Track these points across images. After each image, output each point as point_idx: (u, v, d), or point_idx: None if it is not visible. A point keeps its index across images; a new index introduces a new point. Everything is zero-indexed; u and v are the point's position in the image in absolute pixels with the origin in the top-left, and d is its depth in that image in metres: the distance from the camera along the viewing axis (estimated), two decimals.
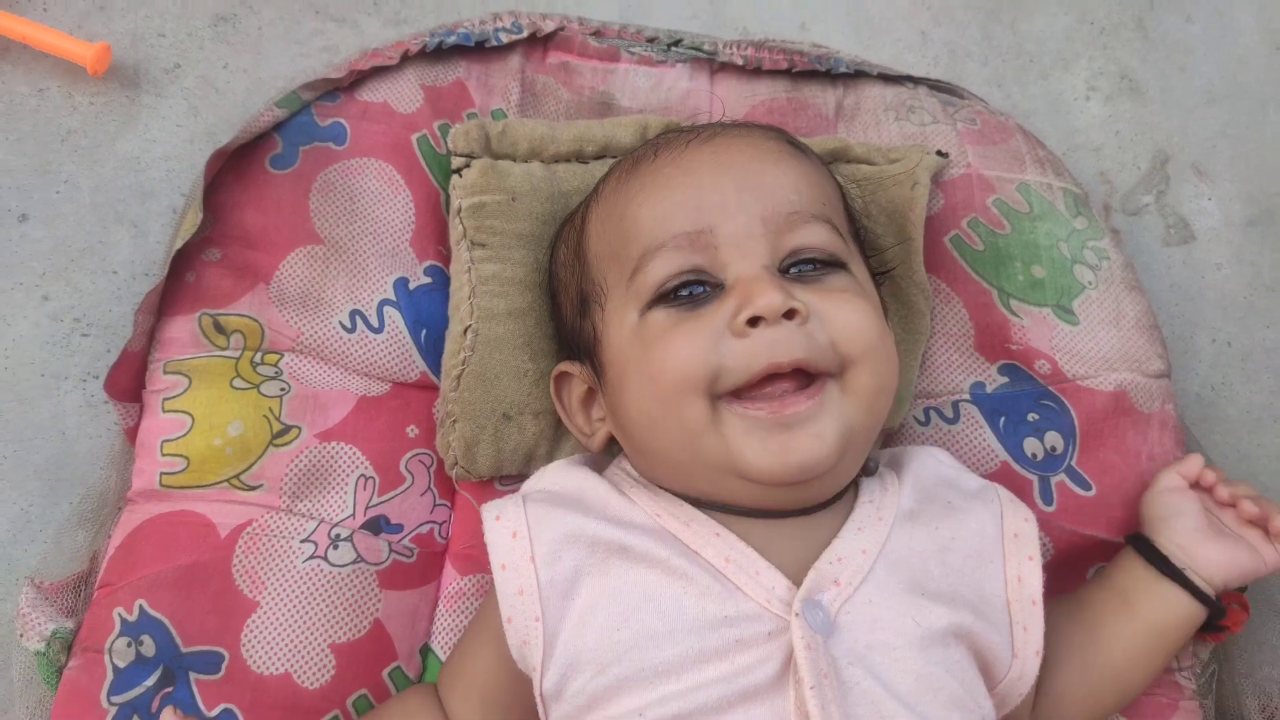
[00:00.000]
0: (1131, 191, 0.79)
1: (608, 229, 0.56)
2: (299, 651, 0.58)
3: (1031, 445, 0.65)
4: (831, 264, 0.54)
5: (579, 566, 0.51)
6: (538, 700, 0.51)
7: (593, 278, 0.57)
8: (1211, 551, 0.56)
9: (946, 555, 0.53)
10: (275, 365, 0.63)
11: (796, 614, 0.48)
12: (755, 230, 0.52)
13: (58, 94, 0.75)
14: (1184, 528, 0.57)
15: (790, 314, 0.49)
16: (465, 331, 0.63)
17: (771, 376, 0.49)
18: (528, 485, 0.57)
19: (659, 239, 0.53)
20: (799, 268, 0.53)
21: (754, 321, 0.49)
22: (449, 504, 0.64)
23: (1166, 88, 0.82)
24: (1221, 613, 0.57)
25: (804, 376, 0.50)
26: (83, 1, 0.77)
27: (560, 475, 0.57)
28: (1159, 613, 0.56)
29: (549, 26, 0.73)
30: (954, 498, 0.56)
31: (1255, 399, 0.75)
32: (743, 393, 0.50)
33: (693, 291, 0.52)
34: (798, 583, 0.50)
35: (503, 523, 0.53)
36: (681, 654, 0.48)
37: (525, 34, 0.72)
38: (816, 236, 0.53)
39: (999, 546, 0.54)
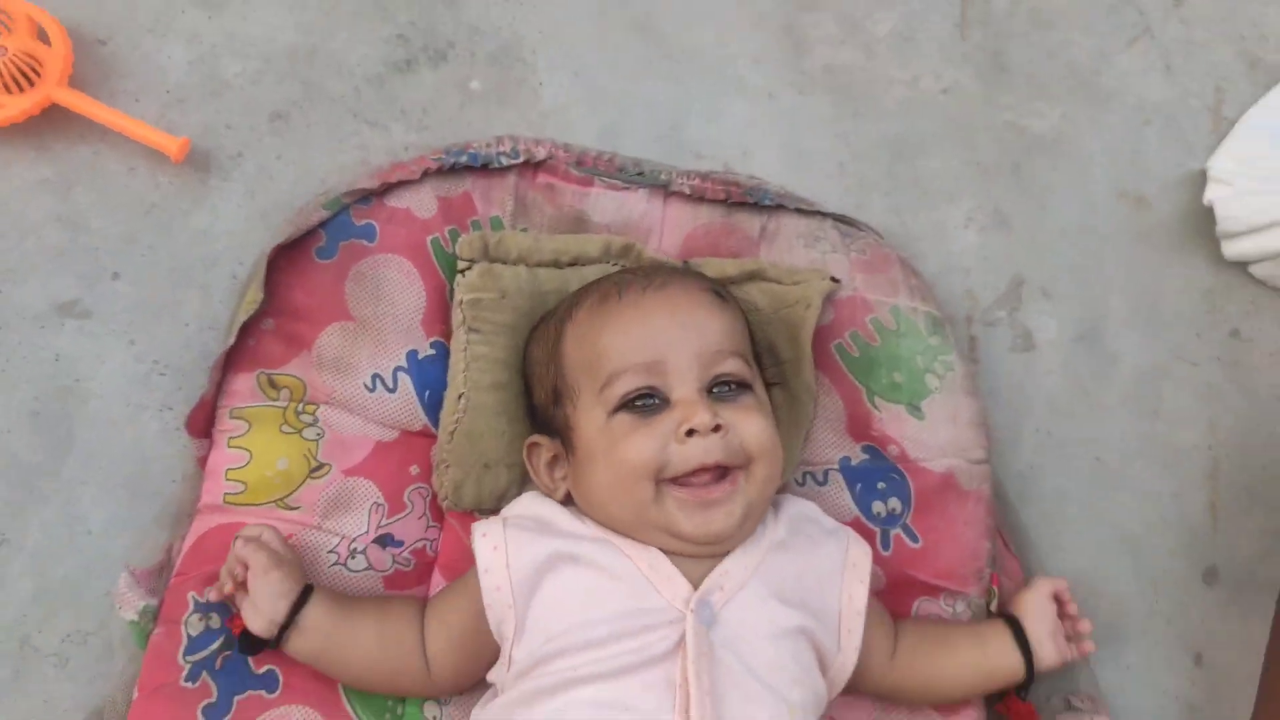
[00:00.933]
0: (990, 307, 0.99)
1: (583, 348, 0.76)
2: None
3: (878, 506, 0.86)
4: (742, 385, 0.75)
5: (540, 570, 0.72)
6: (504, 660, 0.72)
7: (567, 380, 0.77)
8: (1048, 646, 0.79)
9: (803, 576, 0.75)
10: (313, 414, 0.83)
11: (691, 610, 0.70)
12: (692, 362, 0.73)
13: (144, 173, 0.91)
14: (1042, 627, 0.80)
15: (717, 428, 0.71)
16: (459, 398, 0.82)
17: (700, 469, 0.71)
18: (506, 510, 0.78)
19: (623, 365, 0.73)
20: (720, 388, 0.75)
21: (690, 432, 0.71)
22: (439, 526, 0.84)
23: (1029, 222, 1.01)
24: (1026, 686, 0.79)
25: (721, 468, 0.72)
26: (166, 95, 0.94)
27: (531, 504, 0.78)
28: (997, 660, 0.79)
29: (540, 154, 0.92)
30: (814, 533, 0.78)
31: (1063, 478, 0.93)
32: (679, 479, 0.72)
33: (646, 403, 0.73)
34: (697, 587, 0.71)
35: (487, 539, 0.74)
36: (608, 633, 0.69)
37: (521, 159, 0.91)
38: (733, 366, 0.75)
39: (840, 572, 0.77)
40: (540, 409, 0.81)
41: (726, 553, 0.73)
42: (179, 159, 0.92)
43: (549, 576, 0.72)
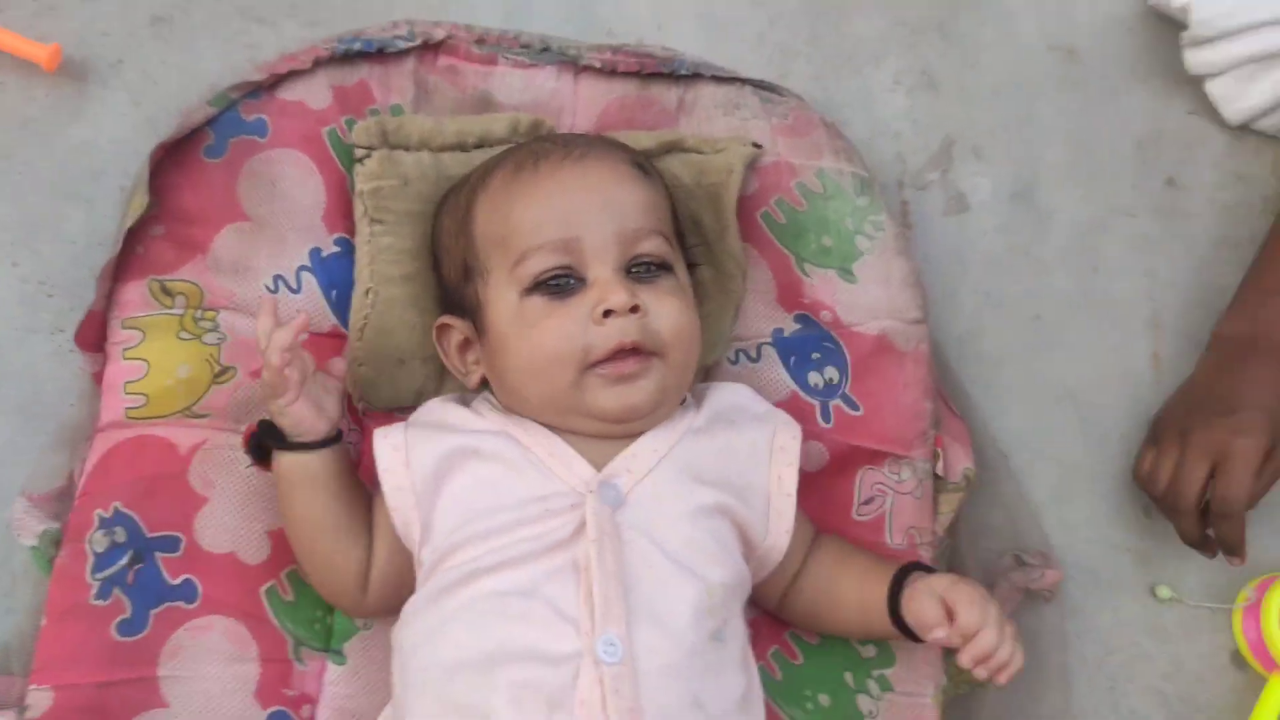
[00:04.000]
0: (921, 170, 0.95)
1: (494, 221, 0.72)
2: (241, 535, 0.74)
3: (814, 377, 0.83)
4: (662, 266, 0.72)
5: (441, 468, 0.69)
6: (416, 564, 0.70)
7: (478, 254, 0.73)
8: (928, 608, 0.67)
9: (721, 455, 0.72)
10: (214, 320, 0.78)
11: (591, 490, 0.67)
12: (610, 240, 0.70)
13: (16, 88, 0.85)
14: (936, 584, 0.69)
15: (634, 309, 0.68)
16: (367, 293, 0.78)
17: (619, 349, 0.68)
18: (413, 417, 0.75)
19: (537, 241, 0.70)
20: (638, 269, 0.71)
21: (608, 313, 0.68)
22: (359, 428, 0.80)
23: (959, 82, 0.97)
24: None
25: (635, 350, 0.69)
26: (35, 3, 0.88)
27: (435, 409, 0.75)
28: (871, 601, 0.72)
29: (439, 35, 0.86)
30: (738, 418, 0.75)
31: (1003, 338, 0.91)
32: (599, 363, 0.69)
33: (560, 283, 0.70)
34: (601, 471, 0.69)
35: (387, 440, 0.71)
36: (506, 520, 0.66)
37: (419, 41, 0.86)
38: (653, 246, 0.72)
39: (768, 455, 0.74)
40: (450, 287, 0.77)
41: (638, 439, 0.71)
42: (51, 68, 0.86)
43: (451, 475, 0.69)
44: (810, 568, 0.76)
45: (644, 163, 0.76)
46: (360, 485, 0.75)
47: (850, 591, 0.75)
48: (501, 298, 0.71)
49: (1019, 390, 0.91)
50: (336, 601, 0.74)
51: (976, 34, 0.99)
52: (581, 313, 0.68)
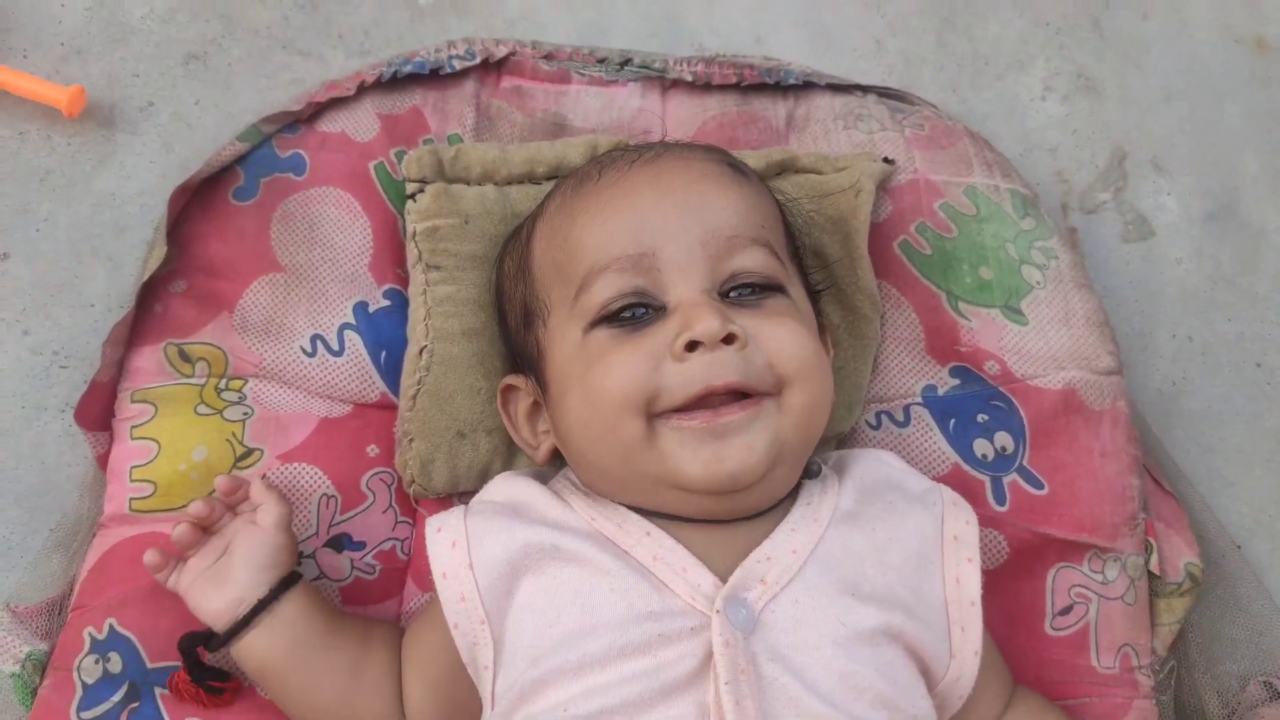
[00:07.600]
0: (1089, 189, 0.80)
1: (553, 246, 0.58)
2: None
3: (982, 446, 0.65)
4: (769, 287, 0.55)
5: (515, 569, 0.52)
6: (486, 699, 0.53)
7: (537, 293, 0.59)
8: None
9: (883, 555, 0.53)
10: (239, 391, 0.65)
11: (717, 610, 0.49)
12: (695, 253, 0.54)
13: (37, 136, 0.78)
14: None
15: (729, 339, 0.51)
16: (421, 352, 0.64)
17: (707, 394, 0.51)
18: (475, 500, 0.59)
19: (602, 261, 0.54)
20: (738, 291, 0.55)
21: (692, 346, 0.51)
22: (410, 521, 0.66)
23: (1123, 85, 0.83)
24: None
25: (740, 394, 0.52)
26: (60, 47, 0.80)
27: (503, 487, 0.59)
28: None
29: (501, 52, 0.74)
30: (896, 499, 0.57)
31: (1216, 392, 0.74)
32: (679, 410, 0.52)
33: (635, 313, 0.54)
34: (726, 581, 0.51)
35: (443, 534, 0.55)
36: (605, 648, 0.49)
37: (478, 60, 0.74)
38: (754, 261, 0.55)
39: (938, 548, 0.55)
40: (514, 341, 0.62)
41: (772, 533, 0.53)
42: (73, 113, 0.78)
43: (527, 578, 0.52)
44: None
45: (740, 165, 0.60)
46: (352, 624, 0.59)
47: None
48: (563, 338, 0.56)
49: (1246, 458, 0.73)
50: None
51: (1138, 29, 0.84)
52: (656, 345, 0.51)
